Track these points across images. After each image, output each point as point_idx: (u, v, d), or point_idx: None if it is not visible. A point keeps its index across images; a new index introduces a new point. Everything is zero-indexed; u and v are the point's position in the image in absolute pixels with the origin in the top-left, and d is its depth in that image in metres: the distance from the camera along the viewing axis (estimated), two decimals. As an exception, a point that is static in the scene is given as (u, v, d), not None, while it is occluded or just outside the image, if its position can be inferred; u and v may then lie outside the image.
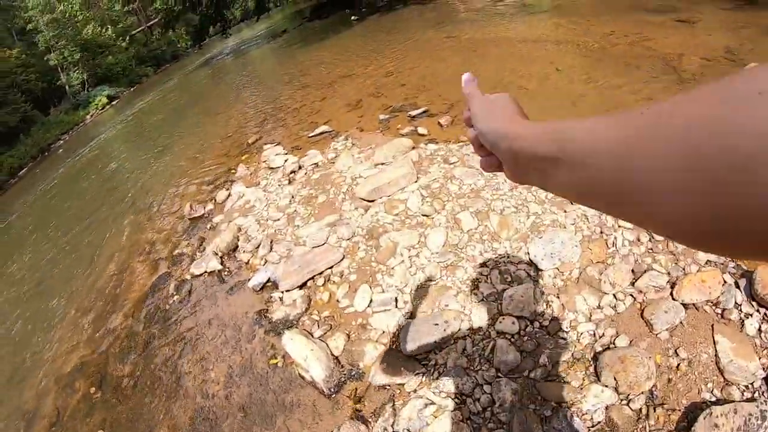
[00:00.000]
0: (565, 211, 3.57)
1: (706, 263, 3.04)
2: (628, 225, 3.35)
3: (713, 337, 2.68)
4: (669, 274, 2.99)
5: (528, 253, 3.29)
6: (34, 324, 6.20)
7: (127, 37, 44.39)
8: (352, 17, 19.09)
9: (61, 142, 27.32)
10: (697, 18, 7.44)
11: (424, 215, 4.11)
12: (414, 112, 6.65)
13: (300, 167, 6.23)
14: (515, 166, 0.61)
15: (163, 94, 22.91)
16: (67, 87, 36.16)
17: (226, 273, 4.80)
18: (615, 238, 3.27)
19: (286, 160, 6.63)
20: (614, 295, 2.95)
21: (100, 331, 5.03)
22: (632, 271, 3.04)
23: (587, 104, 5.31)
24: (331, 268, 4.03)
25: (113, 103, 33.57)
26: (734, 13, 7.57)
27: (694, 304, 2.83)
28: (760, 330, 2.66)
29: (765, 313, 2.75)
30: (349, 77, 9.98)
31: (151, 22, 47.51)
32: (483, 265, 3.38)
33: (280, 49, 20.12)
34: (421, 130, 5.99)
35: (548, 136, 0.51)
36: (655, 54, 6.28)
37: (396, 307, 3.39)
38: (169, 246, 6.01)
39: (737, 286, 2.87)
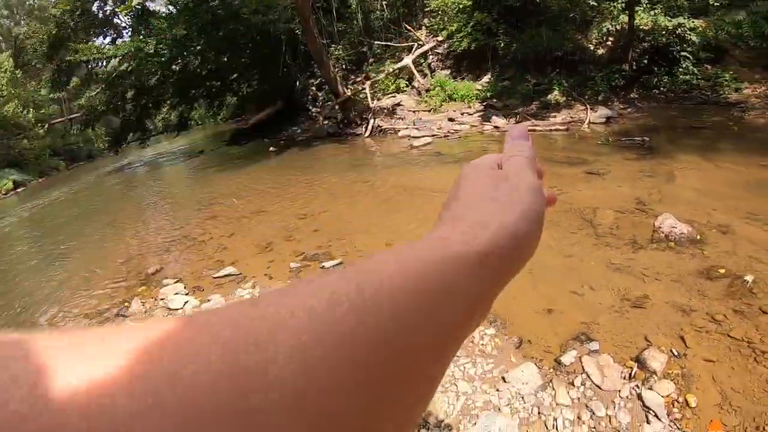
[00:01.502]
0: (498, 390, 3.47)
1: (654, 438, 2.98)
2: (566, 402, 3.28)
3: None
4: (617, 456, 2.89)
5: (462, 445, 3.11)
6: None
7: (46, 126, 43.92)
8: (270, 148, 19.60)
9: (-49, 219, 25.59)
10: (606, 170, 8.13)
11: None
12: (328, 264, 6.54)
13: (200, 314, 5.83)
14: None
15: (71, 194, 22.08)
16: (-27, 162, 34.63)
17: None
18: (554, 418, 3.17)
19: (186, 302, 6.23)
20: (562, 489, 2.78)
21: None
22: (577, 457, 2.91)
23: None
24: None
25: (18, 190, 32.44)
26: (639, 163, 8.37)
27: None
28: None
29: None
30: (261, 214, 9.89)
31: (73, 115, 47.48)
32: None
33: (195, 171, 20.18)
34: (334, 285, 5.85)
35: None
36: (572, 208, 6.71)
37: None
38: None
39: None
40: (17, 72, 42.06)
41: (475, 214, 0.44)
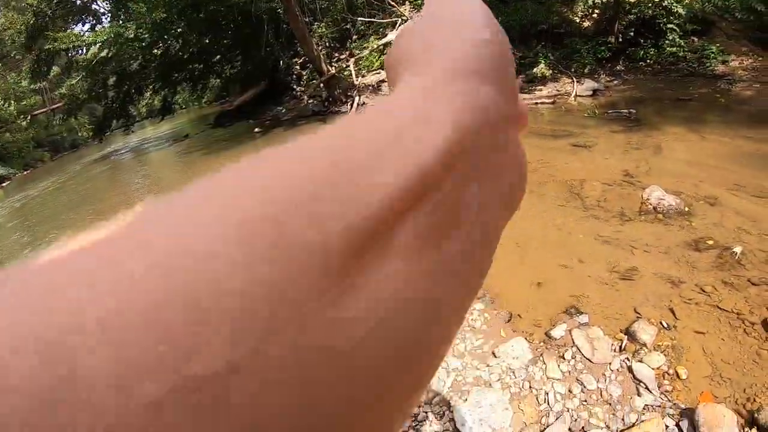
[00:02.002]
0: (488, 365, 3.44)
1: (644, 408, 2.96)
2: (557, 376, 3.26)
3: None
4: (608, 427, 2.89)
5: (453, 420, 3.07)
6: None
7: (29, 117, 43.05)
8: (256, 129, 19.34)
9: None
10: (592, 142, 8.09)
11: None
12: None
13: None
14: None
15: (57, 185, 21.78)
16: (-41, 162, 34.01)
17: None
18: (546, 392, 3.15)
19: None
20: (554, 463, 2.76)
21: None
22: (569, 430, 2.91)
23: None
24: None
25: (4, 184, 32.00)
26: (626, 136, 8.33)
27: (640, 462, 2.70)
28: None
29: (714, 457, 2.68)
30: None
31: (55, 105, 46.55)
32: (404, 438, 3.12)
33: (181, 155, 19.96)
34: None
35: None
36: (558, 180, 6.66)
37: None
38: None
39: (680, 429, 2.79)
40: (-4, 65, 40.90)
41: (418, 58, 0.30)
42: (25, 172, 35.77)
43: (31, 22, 27.37)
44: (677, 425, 2.83)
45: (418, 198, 0.21)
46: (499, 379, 3.33)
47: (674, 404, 2.97)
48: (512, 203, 0.30)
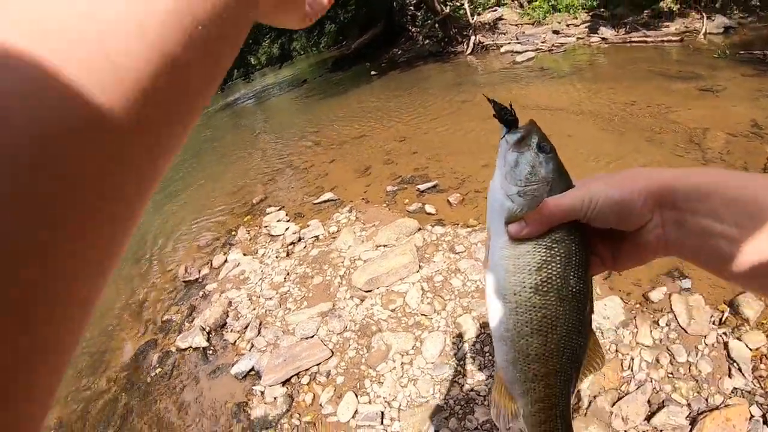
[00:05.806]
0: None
1: (733, 392, 2.65)
2: (648, 343, 3.00)
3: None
4: (689, 406, 2.65)
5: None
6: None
7: None
8: (372, 72, 19.14)
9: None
10: (720, 87, 7.16)
11: (422, 314, 3.80)
12: (423, 186, 6.33)
13: (300, 239, 5.91)
14: None
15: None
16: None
17: (211, 352, 4.47)
18: (632, 359, 2.92)
19: (287, 229, 6.29)
20: (627, 433, 2.58)
21: (82, 391, 4.70)
22: (648, 402, 2.69)
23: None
24: (318, 365, 3.73)
25: None
26: (758, 80, 7.31)
27: (717, 447, 2.45)
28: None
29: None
30: (362, 138, 9.71)
31: None
32: (482, 382, 3.03)
33: (299, 100, 20.21)
34: (429, 208, 5.67)
35: None
36: (680, 128, 5.99)
37: (381, 423, 3.07)
38: (160, 310, 5.63)
39: (765, 421, 2.48)
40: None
41: None
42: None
43: None
44: (764, 416, 2.50)
45: None
46: (586, 338, 3.13)
47: (767, 392, 2.64)
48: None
